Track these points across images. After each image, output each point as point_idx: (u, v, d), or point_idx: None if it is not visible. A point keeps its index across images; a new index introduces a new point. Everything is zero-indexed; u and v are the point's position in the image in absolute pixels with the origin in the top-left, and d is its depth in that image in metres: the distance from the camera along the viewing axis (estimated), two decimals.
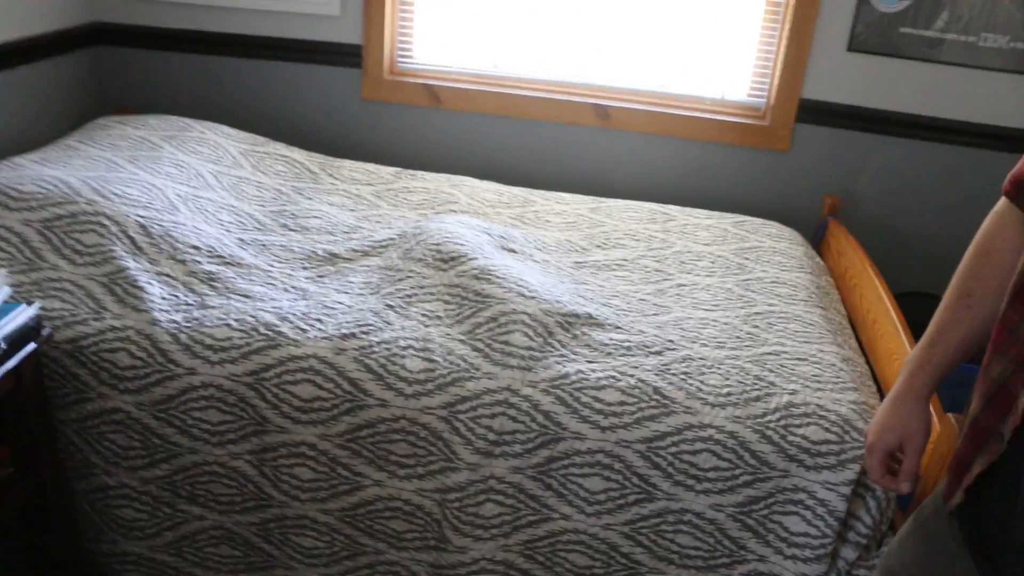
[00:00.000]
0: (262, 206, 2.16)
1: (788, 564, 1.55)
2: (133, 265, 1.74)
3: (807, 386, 1.58)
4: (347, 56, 2.65)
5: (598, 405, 1.53)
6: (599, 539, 1.57)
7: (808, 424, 1.50)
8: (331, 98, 2.72)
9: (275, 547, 1.67)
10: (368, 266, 1.91)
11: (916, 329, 1.38)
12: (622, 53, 2.59)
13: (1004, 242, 1.08)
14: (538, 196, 2.42)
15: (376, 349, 1.60)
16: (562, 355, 1.63)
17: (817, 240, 2.44)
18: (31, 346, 1.47)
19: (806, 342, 1.75)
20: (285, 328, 1.63)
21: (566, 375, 1.57)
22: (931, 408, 1.19)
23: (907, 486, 1.17)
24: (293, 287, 1.81)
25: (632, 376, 1.57)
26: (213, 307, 1.69)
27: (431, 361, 1.58)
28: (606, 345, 1.67)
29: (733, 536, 1.56)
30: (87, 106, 2.73)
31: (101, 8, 2.70)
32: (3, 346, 1.40)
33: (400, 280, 1.82)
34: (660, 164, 2.62)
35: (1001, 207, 1.10)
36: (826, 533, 1.51)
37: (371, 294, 1.79)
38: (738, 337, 1.74)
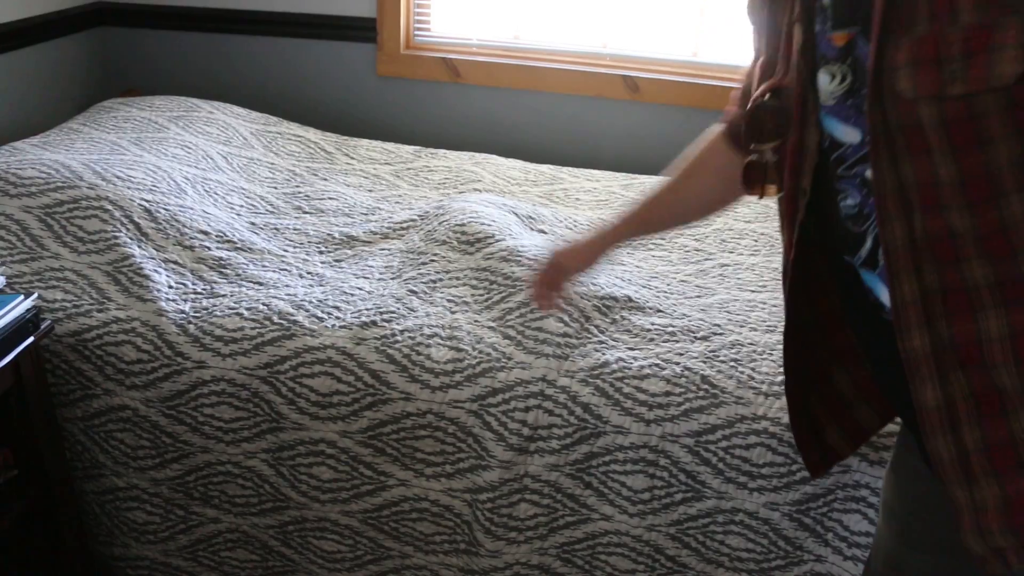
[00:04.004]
0: (275, 188, 2.05)
1: (848, 565, 1.43)
2: (138, 252, 1.64)
3: None
4: (361, 31, 2.54)
5: (641, 396, 1.41)
6: (642, 541, 1.46)
7: None
8: (345, 75, 2.61)
9: (295, 551, 1.58)
10: (388, 249, 1.80)
11: None
12: (651, 20, 2.44)
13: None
14: (566, 173, 2.30)
15: (399, 338, 1.49)
16: (601, 342, 1.51)
17: None
18: (29, 340, 1.39)
19: None
20: (301, 317, 1.53)
21: (606, 363, 1.45)
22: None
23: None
24: (309, 273, 1.70)
25: (678, 364, 1.45)
26: (223, 295, 1.59)
27: (459, 350, 1.47)
28: (648, 330, 1.54)
29: (788, 536, 1.43)
30: (92, 89, 2.64)
31: None
32: None
33: (423, 264, 1.70)
34: (694, 138, 2.47)
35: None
36: None
37: (392, 279, 1.68)
38: None
